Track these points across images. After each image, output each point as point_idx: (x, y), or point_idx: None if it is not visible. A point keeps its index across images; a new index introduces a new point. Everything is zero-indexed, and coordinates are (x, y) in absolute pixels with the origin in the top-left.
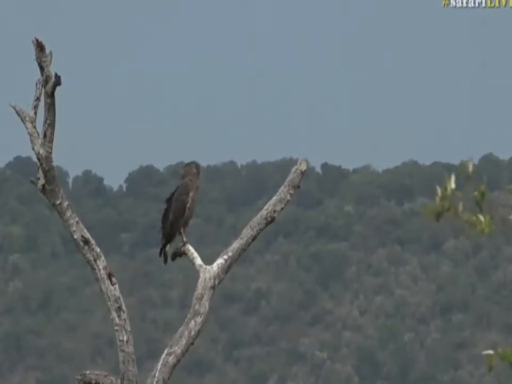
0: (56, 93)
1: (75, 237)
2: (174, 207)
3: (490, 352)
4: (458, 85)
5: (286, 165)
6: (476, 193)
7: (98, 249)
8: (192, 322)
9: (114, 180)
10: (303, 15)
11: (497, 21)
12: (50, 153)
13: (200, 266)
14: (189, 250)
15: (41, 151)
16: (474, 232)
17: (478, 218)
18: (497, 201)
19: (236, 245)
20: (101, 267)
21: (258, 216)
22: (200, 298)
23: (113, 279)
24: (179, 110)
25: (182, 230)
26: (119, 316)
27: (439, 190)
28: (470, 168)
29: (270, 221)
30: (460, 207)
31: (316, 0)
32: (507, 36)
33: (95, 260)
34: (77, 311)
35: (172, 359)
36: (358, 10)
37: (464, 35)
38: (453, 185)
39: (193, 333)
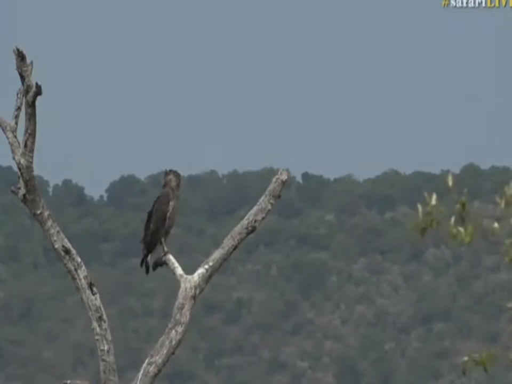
0: (37, 103)
1: (56, 246)
2: (155, 217)
3: (466, 358)
4: (448, 90)
5: (267, 174)
6: (457, 205)
7: (79, 259)
8: (173, 332)
9: (95, 190)
10: (286, 28)
11: (497, 21)
12: (31, 162)
13: (181, 276)
14: (169, 260)
15: (22, 161)
16: (455, 242)
17: (458, 230)
18: (478, 211)
19: (217, 254)
20: (81, 277)
21: (239, 225)
22: (181, 308)
23: (94, 289)
24: (160, 119)
25: (162, 240)
26: (100, 326)
27: (420, 207)
28: (450, 182)
29: (251, 230)
30: (443, 223)
31: (308, 4)
32: (505, 37)
33: (76, 270)
34: (58, 320)
35: (152, 369)
36: (357, 10)
37: (464, 35)
38: (434, 201)
39: (174, 342)
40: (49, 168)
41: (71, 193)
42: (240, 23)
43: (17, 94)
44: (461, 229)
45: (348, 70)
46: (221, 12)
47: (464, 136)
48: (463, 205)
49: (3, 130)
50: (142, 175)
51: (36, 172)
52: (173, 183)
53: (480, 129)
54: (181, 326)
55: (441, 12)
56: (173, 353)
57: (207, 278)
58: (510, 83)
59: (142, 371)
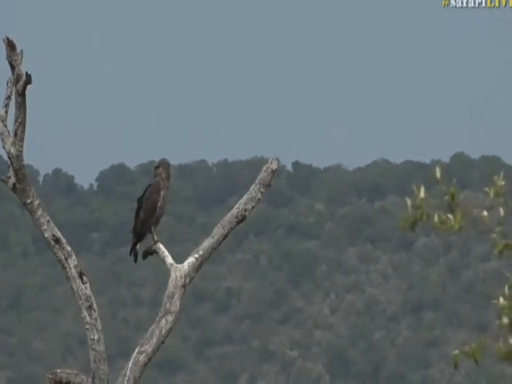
0: (26, 92)
1: (46, 235)
2: (145, 206)
3: (457, 352)
4: (439, 85)
5: (257, 163)
6: (446, 197)
7: (69, 248)
8: (163, 321)
9: (85, 179)
10: (284, 21)
11: (497, 21)
12: (21, 152)
13: (171, 265)
14: (159, 248)
15: (12, 150)
16: (445, 229)
17: (448, 217)
18: (468, 200)
19: (207, 243)
20: (71, 266)
21: (229, 214)
22: (171, 297)
23: (84, 278)
24: (150, 108)
25: (153, 229)
26: (90, 315)
27: (409, 201)
28: (438, 174)
29: (241, 219)
30: (435, 216)
31: (309, 2)
32: (503, 37)
33: (66, 259)
34: (48, 310)
35: (143, 358)
36: (357, 10)
37: (464, 35)
38: (422, 194)
39: (164, 331)
40: (40, 157)
41: (61, 182)
42: (233, 16)
43: (7, 83)
44: (450, 216)
45: (343, 65)
46: (213, 6)
47: (455, 127)
48: (452, 196)
49: None
50: (132, 164)
51: (26, 161)
52: (164, 173)
53: (472, 123)
54: (171, 315)
55: (441, 12)
56: (163, 342)
57: (197, 267)
58: (510, 83)
59: (132, 360)
